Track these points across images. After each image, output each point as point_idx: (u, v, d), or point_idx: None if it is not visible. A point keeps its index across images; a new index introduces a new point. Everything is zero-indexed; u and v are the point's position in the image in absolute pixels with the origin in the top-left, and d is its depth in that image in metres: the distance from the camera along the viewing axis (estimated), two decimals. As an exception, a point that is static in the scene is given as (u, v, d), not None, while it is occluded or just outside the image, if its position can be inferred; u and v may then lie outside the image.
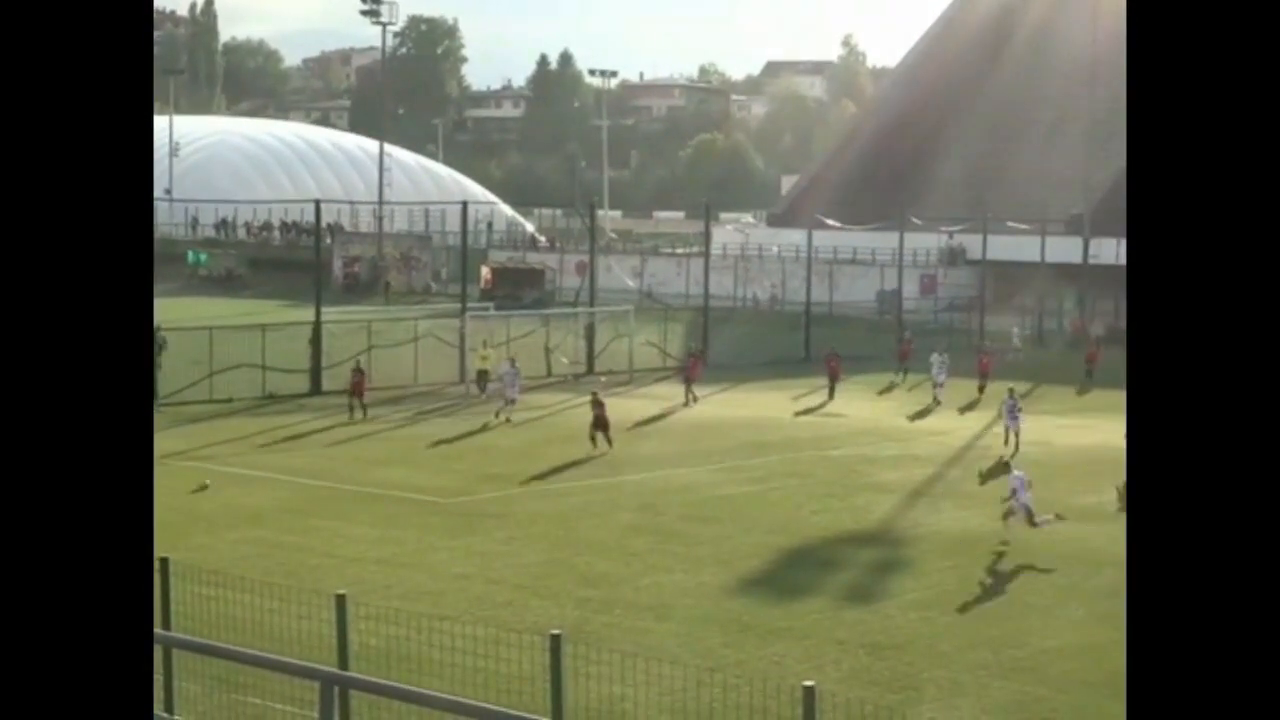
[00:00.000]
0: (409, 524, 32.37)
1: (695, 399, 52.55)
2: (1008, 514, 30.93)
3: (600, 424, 41.88)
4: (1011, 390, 45.10)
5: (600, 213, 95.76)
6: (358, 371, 49.52)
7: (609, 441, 41.52)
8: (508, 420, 47.41)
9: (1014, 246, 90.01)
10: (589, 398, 44.22)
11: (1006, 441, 43.12)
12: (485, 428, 46.36)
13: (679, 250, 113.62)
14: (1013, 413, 43.61)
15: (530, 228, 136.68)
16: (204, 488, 34.73)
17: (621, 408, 48.15)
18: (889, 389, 58.29)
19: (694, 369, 53.64)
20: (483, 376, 54.92)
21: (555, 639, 15.54)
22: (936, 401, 53.18)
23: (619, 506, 34.42)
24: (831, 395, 54.24)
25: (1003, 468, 35.85)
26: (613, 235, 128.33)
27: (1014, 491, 30.92)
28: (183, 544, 26.57)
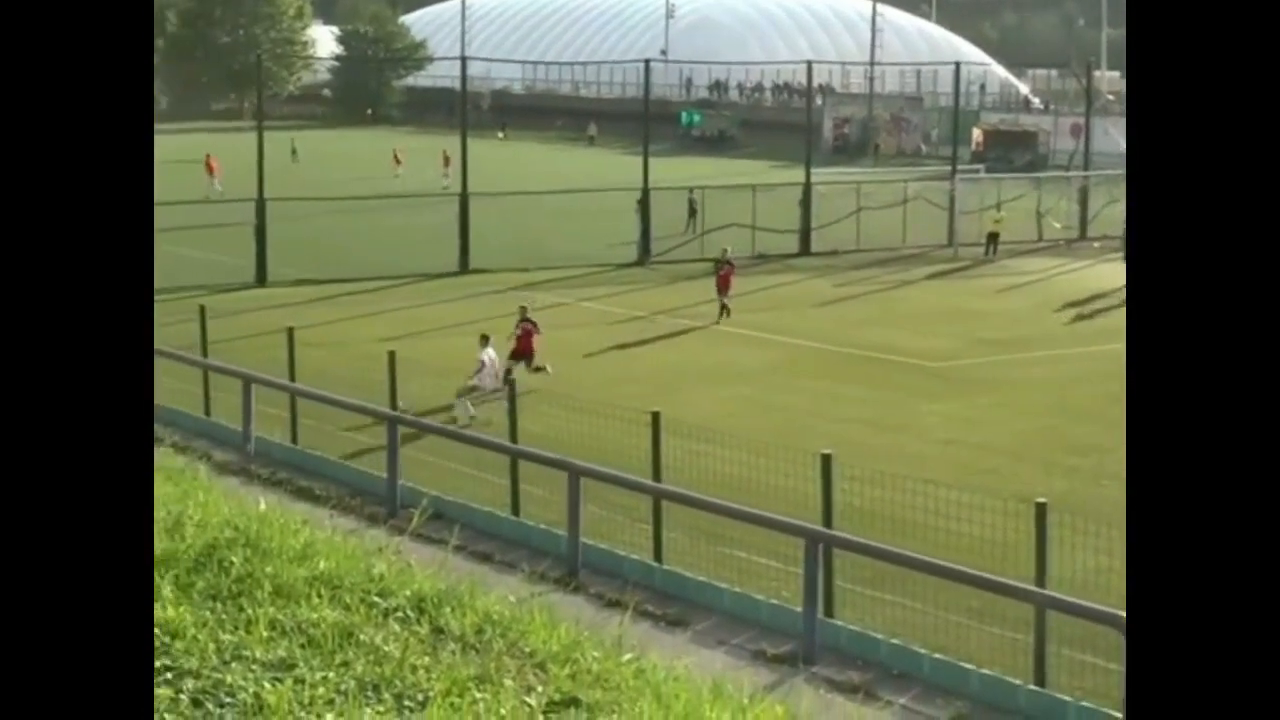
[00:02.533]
0: (896, 387, 32.34)
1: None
2: None
3: (521, 353, 30.49)
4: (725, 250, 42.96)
5: (1097, 73, 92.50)
6: None
7: (542, 369, 30.02)
8: None
9: None
10: (519, 313, 31.59)
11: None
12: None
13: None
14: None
15: (1024, 89, 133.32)
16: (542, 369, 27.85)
17: (1117, 272, 46.67)
18: None
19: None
20: (992, 240, 54.16)
21: (1040, 507, 15.31)
22: None
23: (1111, 375, 33.43)
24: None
25: None
26: (1110, 97, 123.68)
27: None
28: (673, 399, 27.24)
